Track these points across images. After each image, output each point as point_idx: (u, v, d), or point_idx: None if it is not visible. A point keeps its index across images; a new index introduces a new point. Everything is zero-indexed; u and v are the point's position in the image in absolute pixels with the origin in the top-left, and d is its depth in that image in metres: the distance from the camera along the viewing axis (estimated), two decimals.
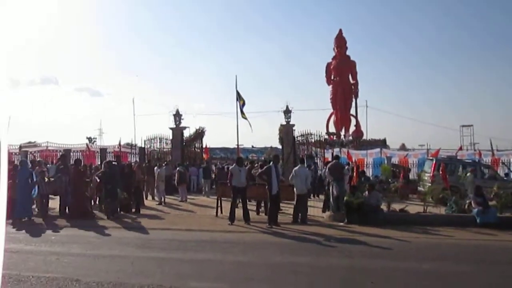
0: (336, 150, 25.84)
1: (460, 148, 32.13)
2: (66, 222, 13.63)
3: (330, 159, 20.56)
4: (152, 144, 27.85)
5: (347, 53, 38.68)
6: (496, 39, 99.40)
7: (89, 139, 62.71)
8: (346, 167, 16.94)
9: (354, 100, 38.42)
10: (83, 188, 15.27)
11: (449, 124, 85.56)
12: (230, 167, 14.77)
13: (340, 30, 38.73)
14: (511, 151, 27.67)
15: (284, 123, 25.91)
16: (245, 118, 25.62)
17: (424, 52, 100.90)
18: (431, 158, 22.23)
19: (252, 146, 50.50)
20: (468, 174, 18.59)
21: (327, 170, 14.84)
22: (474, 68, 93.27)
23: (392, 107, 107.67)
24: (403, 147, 42.09)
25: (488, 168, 21.04)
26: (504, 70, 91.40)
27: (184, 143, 27.28)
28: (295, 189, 13.82)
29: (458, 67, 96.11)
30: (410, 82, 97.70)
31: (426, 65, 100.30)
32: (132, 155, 28.92)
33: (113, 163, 16.47)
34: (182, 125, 27.44)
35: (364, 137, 39.39)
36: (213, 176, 24.08)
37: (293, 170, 14.11)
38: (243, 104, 25.59)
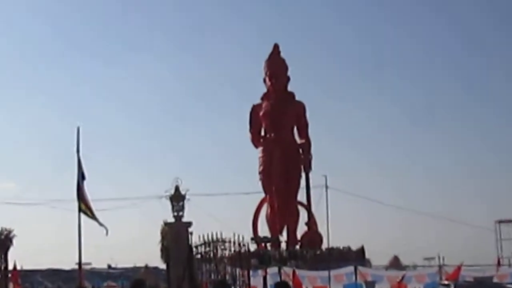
0: (273, 270, 17.56)
1: (498, 263, 23.78)
2: None
3: None
4: None
5: (290, 88, 25.00)
6: None
7: None
8: None
9: (304, 175, 26.80)
10: None
11: (475, 219, 48.32)
12: None
13: (276, 46, 25.68)
14: None
15: (172, 219, 16.21)
16: (90, 216, 15.81)
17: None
18: (446, 283, 18.12)
19: (109, 266, 38.85)
20: None
21: None
22: None
23: (370, 188, 60.56)
24: (395, 263, 31.81)
25: None
26: None
27: None
28: None
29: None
30: (400, 147, 65.75)
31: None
32: None
33: None
34: None
35: (324, 245, 25.57)
36: None
37: None
38: (83, 177, 16.07)
